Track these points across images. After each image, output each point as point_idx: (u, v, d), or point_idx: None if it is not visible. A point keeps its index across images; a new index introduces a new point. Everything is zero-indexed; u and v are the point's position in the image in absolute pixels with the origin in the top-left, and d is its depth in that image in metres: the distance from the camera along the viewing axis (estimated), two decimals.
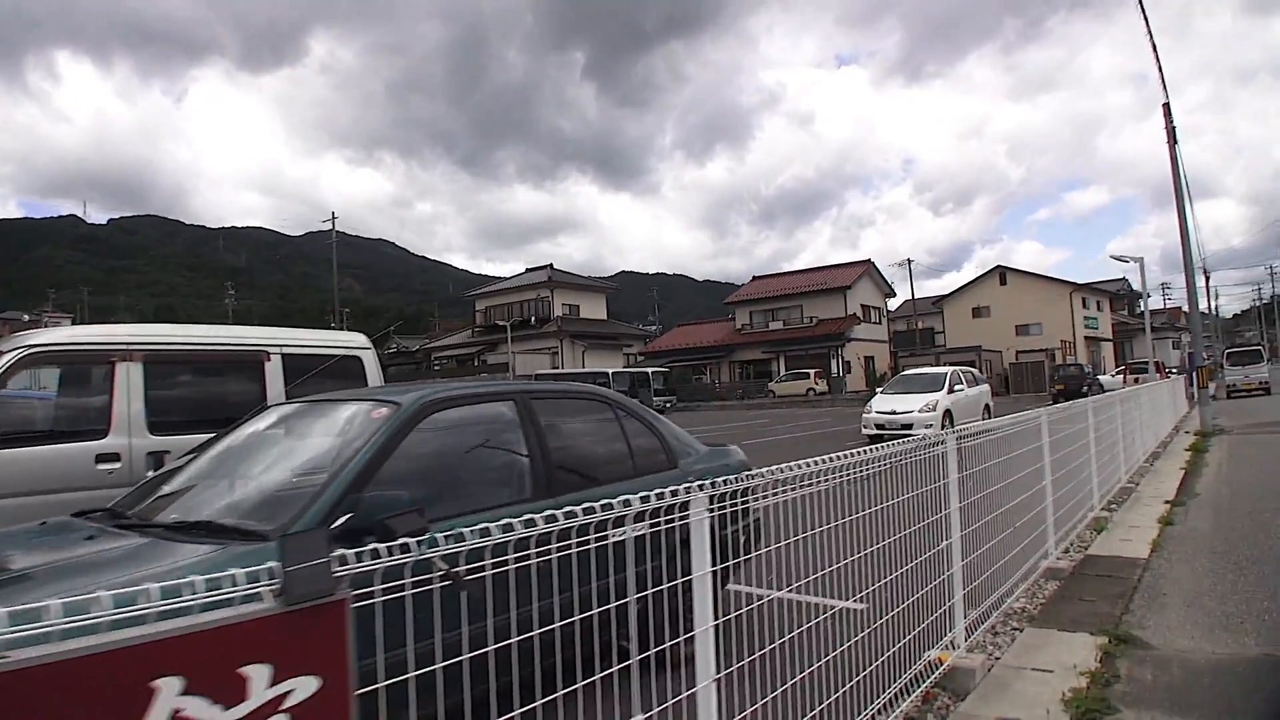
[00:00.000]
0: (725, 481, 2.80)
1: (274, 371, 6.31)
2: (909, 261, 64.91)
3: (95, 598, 1.48)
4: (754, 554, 3.60)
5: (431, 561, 2.01)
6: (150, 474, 4.90)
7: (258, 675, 1.60)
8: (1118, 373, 43.70)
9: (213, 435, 4.27)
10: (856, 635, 3.38)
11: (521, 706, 2.17)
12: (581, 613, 2.47)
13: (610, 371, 46.99)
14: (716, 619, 2.70)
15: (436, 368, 65.07)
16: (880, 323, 57.27)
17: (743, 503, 3.02)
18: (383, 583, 1.92)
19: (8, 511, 4.56)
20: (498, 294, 65.16)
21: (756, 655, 2.91)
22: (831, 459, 3.38)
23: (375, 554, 1.87)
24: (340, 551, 1.78)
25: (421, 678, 2.01)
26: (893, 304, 74.32)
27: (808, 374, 47.68)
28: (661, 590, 2.64)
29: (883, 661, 3.50)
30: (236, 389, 6.17)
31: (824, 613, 3.31)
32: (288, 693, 1.63)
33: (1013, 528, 5.30)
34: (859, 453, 3.64)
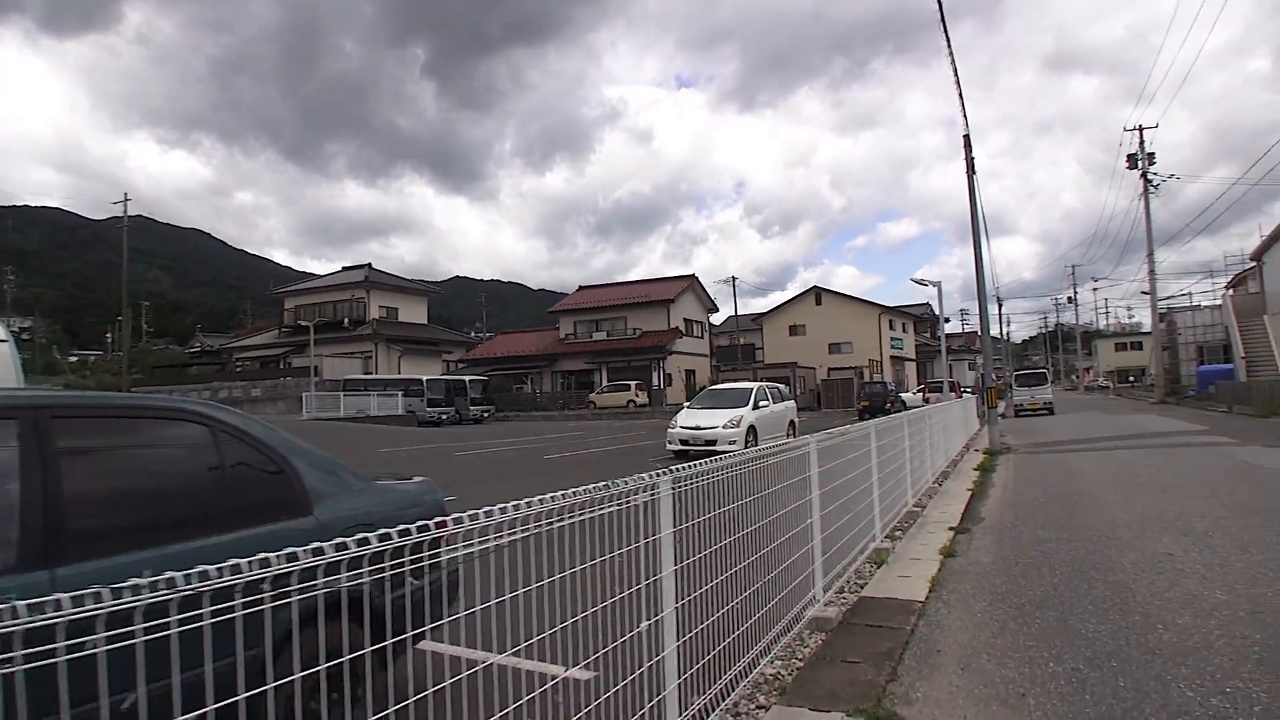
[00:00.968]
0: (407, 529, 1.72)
1: None
2: (734, 279, 66.44)
3: None
4: (445, 618, 3.00)
5: None
6: None
7: None
8: (918, 391, 45.91)
9: None
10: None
11: None
12: None
13: (425, 379, 44.84)
14: None
15: (238, 369, 60.28)
16: (703, 337, 57.75)
17: (430, 556, 2.31)
18: None
19: None
20: (309, 292, 61.18)
21: None
22: (547, 499, 2.61)
23: None
24: None
25: None
26: (717, 319, 75.78)
27: (628, 386, 47.24)
28: None
29: None
30: None
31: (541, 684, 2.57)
32: None
33: (770, 575, 4.42)
34: (572, 493, 2.70)
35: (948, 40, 16.44)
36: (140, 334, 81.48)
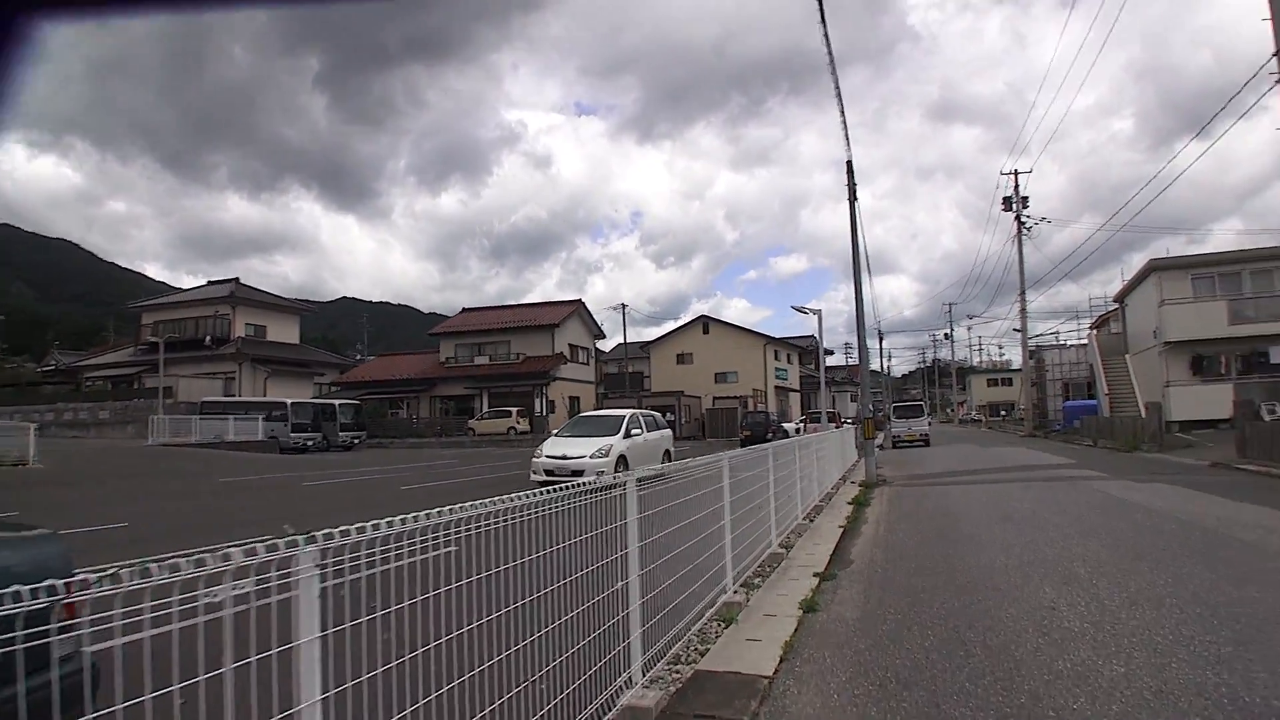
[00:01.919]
0: None
1: None
2: (623, 306, 65.65)
3: None
4: None
5: None
6: None
7: None
8: (800, 421, 46.01)
9: None
10: None
11: None
12: None
13: (289, 402, 42.02)
14: None
15: (88, 388, 55.47)
16: (589, 363, 56.60)
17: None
18: None
19: None
20: (169, 307, 56.95)
21: None
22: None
23: None
24: None
25: None
26: (608, 347, 74.88)
27: (509, 412, 45.60)
28: None
29: None
30: None
31: None
32: None
33: (559, 659, 3.27)
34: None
35: (831, 59, 15.93)
36: None
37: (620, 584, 3.97)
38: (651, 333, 67.22)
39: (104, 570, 1.67)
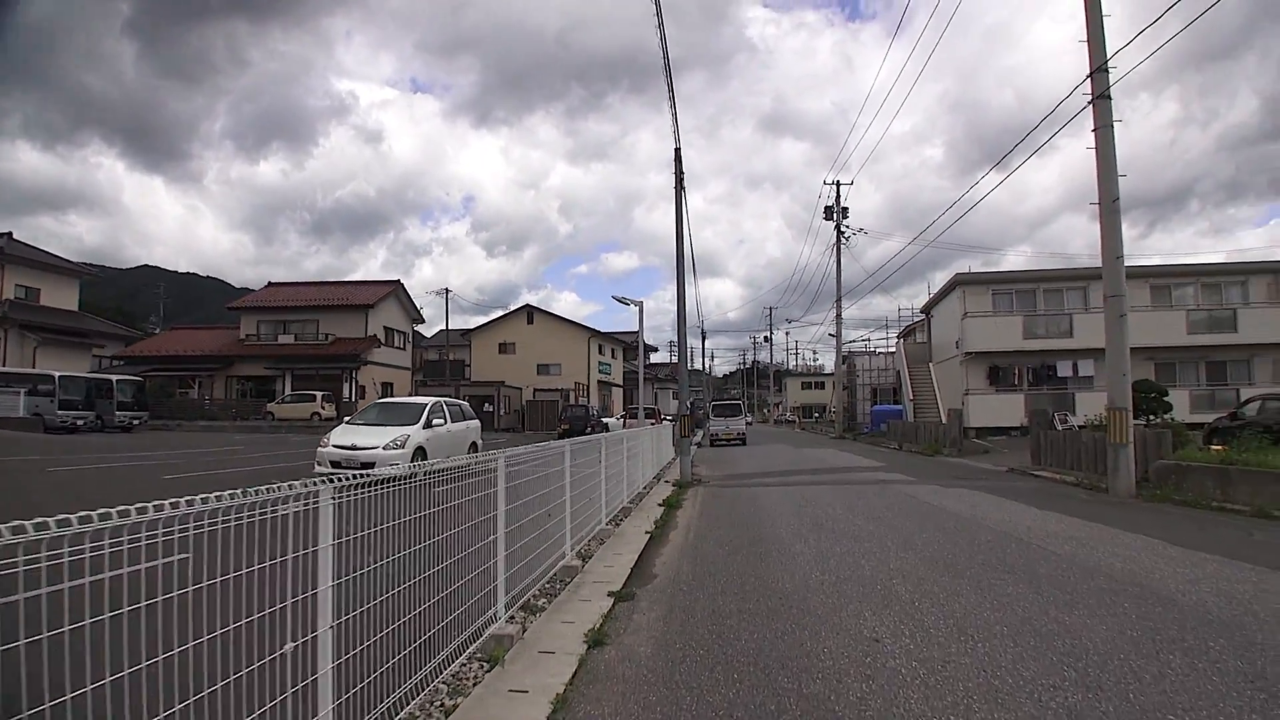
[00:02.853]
0: None
1: None
2: (447, 291, 62.85)
3: None
4: None
5: None
6: None
7: None
8: (621, 416, 45.57)
9: None
10: None
11: None
12: None
13: (58, 375, 37.13)
14: None
15: None
16: (405, 348, 53.81)
17: None
18: None
19: None
20: None
21: None
22: None
23: None
24: None
25: None
26: (430, 332, 71.92)
27: (314, 396, 42.43)
28: None
29: None
30: None
31: None
32: None
33: None
34: None
35: (661, 26, 15.01)
36: None
37: (309, 636, 2.68)
38: (479, 322, 64.65)
39: None
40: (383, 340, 48.60)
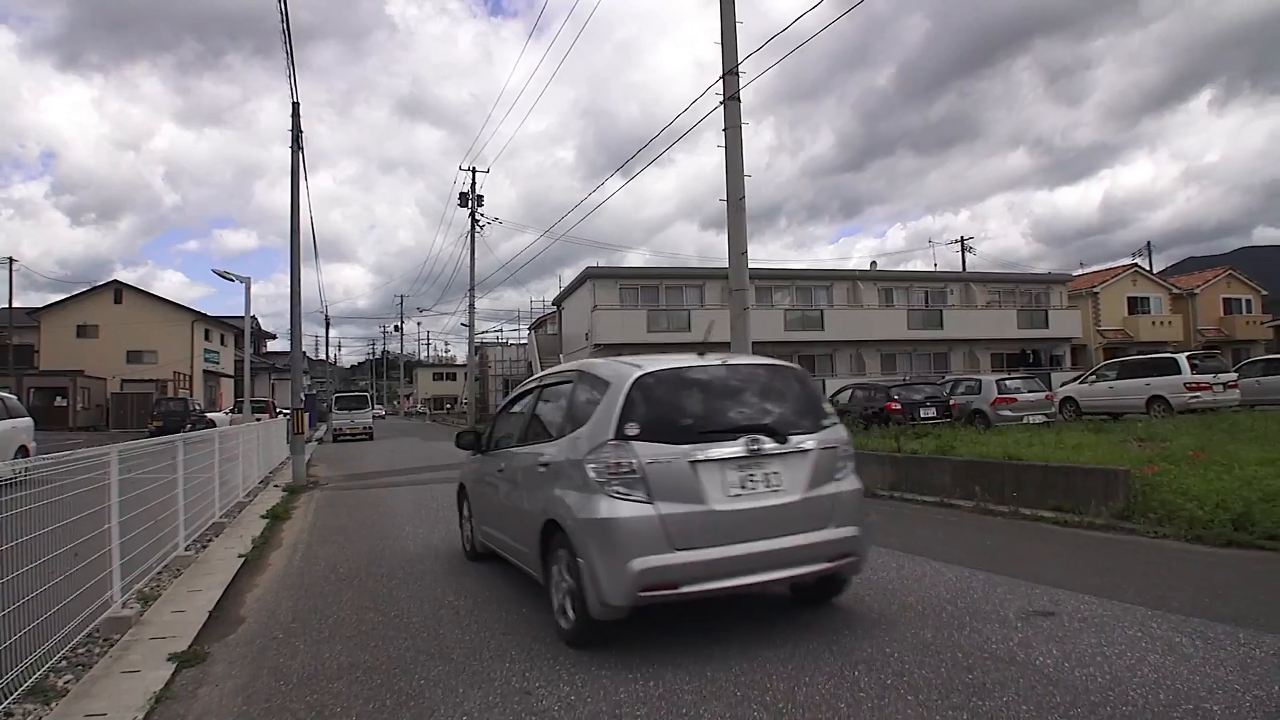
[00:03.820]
0: None
1: None
2: (11, 260, 51.54)
3: None
4: None
5: None
6: None
7: None
8: (230, 410, 40.83)
9: None
10: None
11: None
12: None
13: None
14: None
15: None
16: None
17: None
18: None
19: None
20: None
21: None
22: None
23: None
24: None
25: None
26: None
27: None
28: None
29: None
30: None
31: None
32: None
33: None
34: None
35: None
36: None
37: None
38: (56, 299, 53.87)
39: None
40: None
